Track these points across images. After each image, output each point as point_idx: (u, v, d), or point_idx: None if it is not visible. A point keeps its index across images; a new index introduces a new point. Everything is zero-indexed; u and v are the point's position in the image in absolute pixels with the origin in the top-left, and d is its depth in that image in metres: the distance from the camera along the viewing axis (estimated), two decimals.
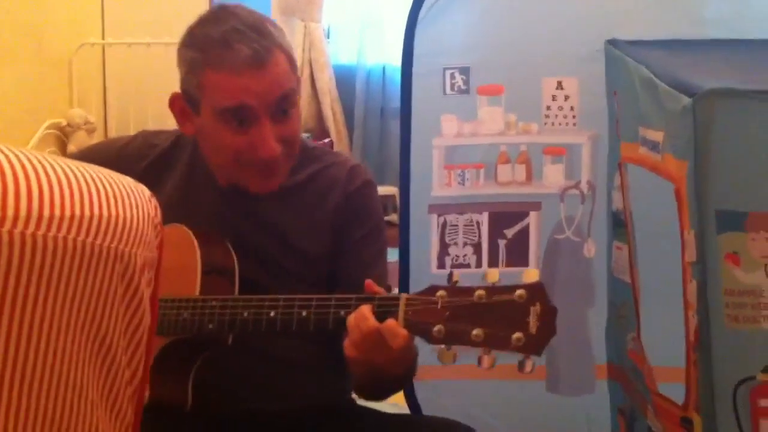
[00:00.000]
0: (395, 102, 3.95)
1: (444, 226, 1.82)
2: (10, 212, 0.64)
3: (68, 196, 0.69)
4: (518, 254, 1.82)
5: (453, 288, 1.16)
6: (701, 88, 1.22)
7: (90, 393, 0.76)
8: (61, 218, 0.68)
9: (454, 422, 1.50)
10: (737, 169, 1.19)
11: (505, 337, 1.11)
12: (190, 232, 1.42)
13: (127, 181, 0.80)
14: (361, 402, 1.57)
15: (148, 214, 0.80)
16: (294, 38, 4.25)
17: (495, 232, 1.82)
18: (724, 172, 1.18)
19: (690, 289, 1.25)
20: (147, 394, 0.89)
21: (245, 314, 1.31)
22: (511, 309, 1.12)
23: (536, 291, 1.12)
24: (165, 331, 1.38)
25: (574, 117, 1.79)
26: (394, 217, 3.61)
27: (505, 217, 1.82)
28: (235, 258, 1.43)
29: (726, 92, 1.20)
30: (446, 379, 1.84)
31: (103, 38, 3.99)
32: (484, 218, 1.82)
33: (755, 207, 1.18)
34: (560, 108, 1.79)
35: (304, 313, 1.26)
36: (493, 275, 1.17)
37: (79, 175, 0.72)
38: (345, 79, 4.57)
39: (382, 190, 2.54)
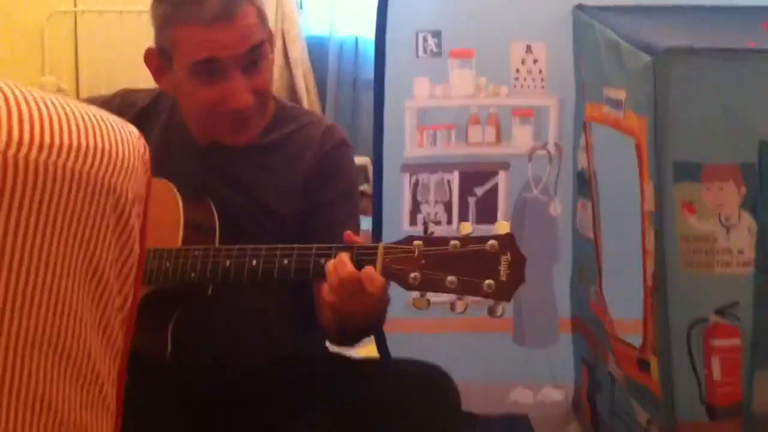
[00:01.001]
0: (367, 73, 4.00)
1: (416, 185, 1.88)
2: (10, 136, 0.68)
3: (65, 127, 0.74)
4: (487, 212, 1.89)
5: (429, 238, 1.22)
6: (661, 47, 1.28)
7: (84, 316, 0.81)
8: (60, 146, 0.72)
9: (429, 364, 1.56)
10: (694, 123, 1.26)
11: (477, 284, 1.17)
12: (174, 187, 1.46)
13: (117, 120, 0.84)
14: (334, 349, 1.64)
15: (138, 150, 0.85)
16: (266, 10, 4.26)
17: (465, 191, 1.88)
18: (681, 126, 1.25)
19: (648, 237, 1.32)
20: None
21: (227, 263, 1.35)
22: (483, 258, 1.18)
23: (507, 241, 1.18)
24: (147, 280, 1.43)
25: (542, 80, 1.85)
26: (366, 188, 3.66)
27: (475, 176, 1.89)
28: (216, 215, 1.47)
29: (684, 51, 1.27)
30: (417, 332, 1.90)
31: (75, 6, 3.97)
32: (454, 177, 1.88)
33: (710, 159, 1.25)
34: (529, 72, 1.85)
35: (285, 262, 1.31)
36: (466, 227, 1.23)
37: (75, 109, 0.77)
38: (317, 50, 4.58)
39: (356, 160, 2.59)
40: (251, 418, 1.46)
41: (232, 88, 1.34)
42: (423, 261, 1.19)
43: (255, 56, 1.36)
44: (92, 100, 1.86)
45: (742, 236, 1.26)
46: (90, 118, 0.78)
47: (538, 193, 1.89)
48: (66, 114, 0.75)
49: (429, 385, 1.50)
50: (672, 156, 1.25)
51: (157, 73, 1.45)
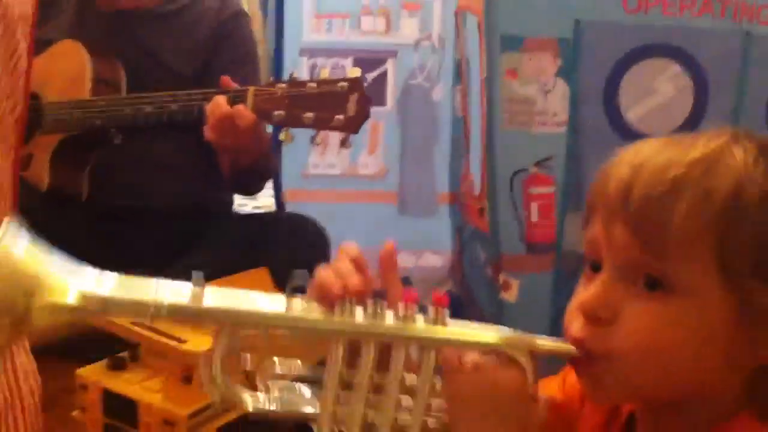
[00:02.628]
0: None
1: (313, 68, 2.09)
2: None
3: None
4: (378, 95, 2.11)
5: (292, 81, 1.45)
6: None
7: None
8: None
9: (307, 217, 1.80)
10: (519, 1, 1.49)
11: (330, 118, 1.41)
12: (83, 48, 1.67)
13: None
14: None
15: None
16: None
17: None
18: (509, 3, 1.48)
19: (483, 101, 1.56)
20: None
21: (126, 110, 1.58)
22: (335, 97, 1.41)
23: (355, 83, 1.41)
24: (59, 127, 1.65)
25: None
26: None
27: (367, 62, 2.10)
28: (123, 72, 1.68)
29: None
30: (313, 201, 2.14)
31: None
32: (348, 63, 2.10)
33: (531, 33, 1.49)
34: None
35: (173, 107, 1.54)
36: (355, 72, 1.45)
37: None
38: None
39: None
40: (140, 255, 1.67)
41: None
42: (286, 101, 1.42)
43: None
44: None
45: (558, 100, 1.50)
46: None
47: (423, 80, 2.12)
48: None
49: (303, 231, 1.75)
50: (500, 30, 1.48)
51: None
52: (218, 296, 0.57)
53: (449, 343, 0.61)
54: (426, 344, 0.61)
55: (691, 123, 1.47)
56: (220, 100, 1.44)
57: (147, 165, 1.72)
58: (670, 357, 0.58)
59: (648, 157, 0.60)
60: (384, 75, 2.12)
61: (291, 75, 1.46)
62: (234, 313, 0.57)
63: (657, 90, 1.49)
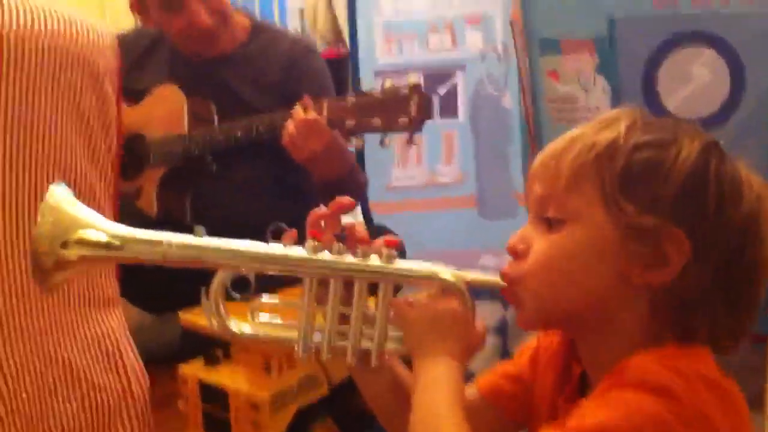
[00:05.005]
0: None
1: None
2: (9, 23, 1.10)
3: (50, 19, 1.16)
4: (449, 107, 2.26)
5: (359, 93, 1.60)
6: None
7: (78, 151, 1.23)
8: (47, 31, 1.15)
9: (385, 228, 1.96)
10: (554, 6, 1.60)
11: (395, 120, 1.55)
12: (180, 91, 1.90)
13: (91, 22, 1.27)
14: None
15: (107, 41, 1.27)
16: None
17: (429, 90, 2.25)
18: (544, 7, 1.60)
19: (525, 101, 1.68)
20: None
21: (219, 138, 1.79)
22: (398, 102, 1.55)
23: (415, 88, 1.55)
24: (163, 160, 1.87)
25: None
26: None
27: (437, 77, 2.25)
28: (213, 109, 1.90)
29: None
30: (395, 212, 2.30)
31: None
32: (420, 79, 2.25)
33: (568, 35, 1.59)
34: None
35: (260, 128, 1.73)
36: (414, 77, 1.60)
37: (58, 10, 1.19)
38: None
39: None
40: None
41: (191, 14, 1.75)
42: (356, 110, 1.58)
43: None
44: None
45: (598, 95, 1.60)
46: (69, 18, 1.21)
47: (492, 90, 2.25)
48: (50, 12, 1.17)
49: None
50: (538, 35, 1.60)
51: (143, 19, 1.87)
52: (218, 241, 0.76)
53: (399, 277, 0.77)
54: (380, 278, 0.76)
55: (730, 104, 1.53)
56: (298, 110, 1.61)
57: (241, 189, 1.92)
58: (568, 270, 0.72)
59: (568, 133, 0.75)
60: (454, 87, 2.26)
61: (358, 88, 1.62)
62: (232, 250, 0.75)
63: (694, 76, 1.56)
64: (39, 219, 0.74)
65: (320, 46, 5.19)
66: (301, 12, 4.41)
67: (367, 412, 0.88)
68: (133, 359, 1.35)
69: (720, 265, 0.72)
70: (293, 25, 5.08)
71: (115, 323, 1.33)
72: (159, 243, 0.74)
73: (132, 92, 1.86)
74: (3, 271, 1.10)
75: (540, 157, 0.77)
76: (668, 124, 0.75)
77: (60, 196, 0.74)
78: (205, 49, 1.85)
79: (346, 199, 0.82)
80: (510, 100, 2.24)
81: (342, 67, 2.30)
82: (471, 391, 0.85)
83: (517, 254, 0.75)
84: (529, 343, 0.87)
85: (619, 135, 0.72)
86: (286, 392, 1.33)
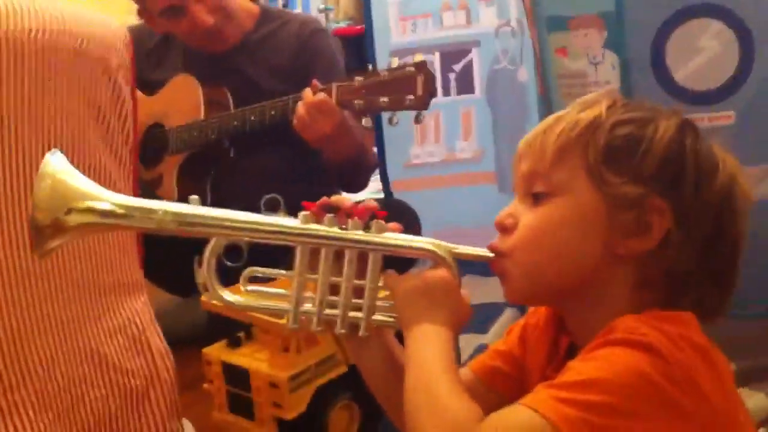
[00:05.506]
0: None
1: None
2: (30, 25, 1.14)
3: (67, 19, 1.20)
4: (466, 84, 2.28)
5: (366, 72, 1.63)
6: None
7: (97, 145, 1.28)
8: (63, 32, 1.19)
9: (404, 203, 1.99)
10: None
11: (402, 99, 1.58)
12: (195, 80, 1.94)
13: (104, 18, 1.31)
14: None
15: (119, 37, 1.31)
16: None
17: (445, 68, 2.27)
18: None
19: (539, 78, 1.69)
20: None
21: (234, 122, 1.83)
22: (404, 80, 1.58)
23: (420, 66, 1.58)
24: (183, 146, 1.93)
25: None
26: None
27: (453, 55, 2.27)
28: (229, 94, 1.94)
29: None
30: (415, 189, 2.33)
31: None
32: (435, 58, 2.27)
33: (576, 12, 1.60)
34: None
35: (273, 112, 1.77)
36: (419, 56, 1.62)
37: (72, 9, 1.23)
38: None
39: None
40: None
41: (193, 17, 1.79)
42: (364, 90, 1.61)
43: None
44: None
45: (608, 70, 1.60)
46: (81, 15, 1.25)
47: (507, 64, 2.25)
48: (62, 12, 1.21)
49: (399, 213, 1.94)
50: (545, 11, 1.61)
51: (150, 24, 1.91)
52: (211, 210, 0.78)
53: (387, 247, 0.80)
54: (368, 248, 0.79)
55: (740, 75, 1.53)
56: (308, 93, 1.65)
57: (259, 175, 1.97)
58: (555, 242, 0.75)
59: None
60: (470, 64, 2.27)
61: (366, 67, 1.65)
62: (224, 218, 0.78)
63: (703, 48, 1.56)
64: (37, 185, 0.75)
65: (344, 23, 5.22)
66: None
67: None
68: (159, 343, 1.40)
69: (704, 240, 0.74)
70: (315, 4, 5.12)
71: (141, 308, 1.38)
72: (154, 211, 0.76)
73: (149, 83, 1.92)
74: (30, 267, 1.14)
75: (526, 137, 0.80)
76: (646, 105, 0.79)
77: (56, 163, 0.76)
78: (214, 45, 1.89)
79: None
80: (525, 74, 2.25)
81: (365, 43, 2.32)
82: (465, 371, 0.88)
83: (505, 229, 0.78)
84: (518, 322, 0.90)
85: (600, 113, 0.76)
86: (305, 371, 1.38)
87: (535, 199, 0.77)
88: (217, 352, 1.48)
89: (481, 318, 1.97)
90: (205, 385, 1.50)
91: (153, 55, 2.00)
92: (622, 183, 0.74)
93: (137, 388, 1.32)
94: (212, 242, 0.79)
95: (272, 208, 0.81)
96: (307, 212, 0.80)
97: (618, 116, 0.76)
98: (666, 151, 0.75)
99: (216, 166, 1.96)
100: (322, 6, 4.94)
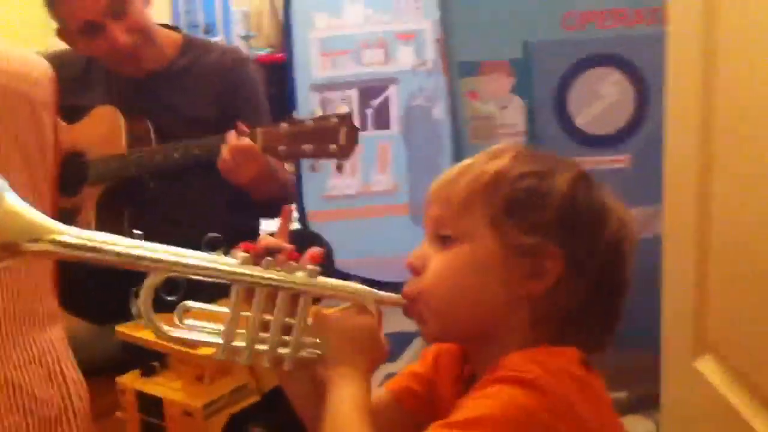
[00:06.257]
0: None
1: (323, 102, 2.34)
2: None
3: None
4: (383, 119, 2.35)
5: (291, 120, 1.67)
6: None
7: (18, 178, 1.29)
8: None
9: (314, 233, 2.03)
10: (472, 29, 1.69)
11: (326, 148, 1.62)
12: (117, 111, 1.94)
13: (30, 55, 1.32)
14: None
15: (45, 74, 1.33)
16: None
17: (363, 104, 2.34)
18: (464, 32, 1.69)
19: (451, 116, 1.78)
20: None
21: (157, 158, 1.84)
22: (328, 130, 1.62)
23: (344, 118, 1.62)
24: (101, 179, 1.93)
25: (417, 8, 2.29)
26: None
27: (371, 90, 2.34)
28: (150, 127, 1.95)
29: None
30: (331, 220, 2.38)
31: None
32: (354, 93, 2.34)
33: (486, 57, 1.69)
34: (407, 1, 2.29)
35: (196, 151, 1.78)
36: (343, 108, 1.67)
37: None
38: None
39: None
40: None
41: (110, 37, 1.80)
42: (288, 137, 1.65)
43: (117, 6, 1.76)
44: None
45: (515, 114, 1.70)
46: (5, 52, 1.27)
47: (423, 101, 2.34)
48: None
49: (310, 244, 1.98)
50: (458, 57, 1.70)
51: (71, 45, 1.91)
52: (151, 245, 0.79)
53: (319, 292, 0.84)
54: (301, 292, 0.83)
55: (635, 120, 1.65)
56: (232, 136, 1.67)
57: (178, 203, 1.97)
58: (461, 285, 0.80)
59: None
60: (387, 101, 2.35)
61: (291, 116, 1.69)
62: (164, 254, 0.77)
63: (602, 95, 1.67)
64: None
65: (265, 51, 5.23)
66: (245, 15, 4.45)
67: (298, 418, 0.96)
68: (73, 372, 1.41)
69: (593, 283, 0.82)
70: (237, 31, 5.13)
71: (56, 338, 1.39)
72: (92, 247, 0.76)
73: (73, 108, 1.90)
74: None
75: (437, 182, 0.85)
76: (547, 157, 0.86)
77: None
78: (134, 68, 1.90)
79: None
80: (440, 112, 2.34)
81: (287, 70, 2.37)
82: (381, 391, 0.93)
83: (416, 270, 0.84)
84: (435, 345, 0.96)
85: (505, 165, 0.81)
86: (218, 400, 1.41)
87: (443, 241, 0.82)
88: (131, 380, 1.49)
89: (392, 347, 2.02)
90: (119, 414, 1.51)
91: (78, 81, 1.99)
92: (520, 233, 0.79)
93: (51, 418, 1.32)
94: (150, 277, 0.81)
95: (213, 247, 0.84)
96: (246, 254, 0.83)
97: (520, 169, 0.81)
98: (561, 203, 0.80)
99: (136, 199, 1.97)
100: (243, 32, 4.95)
